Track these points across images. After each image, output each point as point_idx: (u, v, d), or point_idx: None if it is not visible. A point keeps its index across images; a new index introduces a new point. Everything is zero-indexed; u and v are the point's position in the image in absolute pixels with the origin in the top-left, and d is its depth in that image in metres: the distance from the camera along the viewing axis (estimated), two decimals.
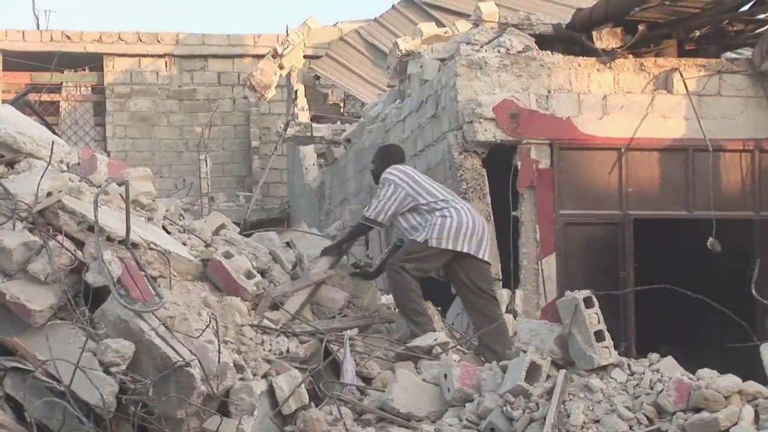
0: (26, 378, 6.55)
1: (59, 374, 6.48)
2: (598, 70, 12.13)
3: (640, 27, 12.37)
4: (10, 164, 7.83)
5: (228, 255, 8.06)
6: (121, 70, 24.49)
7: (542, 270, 11.54)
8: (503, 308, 9.87)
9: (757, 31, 12.95)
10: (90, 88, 24.69)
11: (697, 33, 12.85)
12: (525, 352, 6.39)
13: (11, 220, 7.22)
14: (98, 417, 6.47)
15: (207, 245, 8.73)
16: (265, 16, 74.12)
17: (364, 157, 15.79)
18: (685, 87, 12.13)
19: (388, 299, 9.55)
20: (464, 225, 8.58)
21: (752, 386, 6.10)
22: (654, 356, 6.68)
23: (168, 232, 8.58)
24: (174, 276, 7.69)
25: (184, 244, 8.52)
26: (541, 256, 11.51)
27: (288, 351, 7.63)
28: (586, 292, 6.65)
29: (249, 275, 8.12)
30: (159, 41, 24.49)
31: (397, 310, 9.10)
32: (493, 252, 10.30)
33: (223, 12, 69.07)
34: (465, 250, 8.59)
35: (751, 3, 12.54)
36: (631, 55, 12.34)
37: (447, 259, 8.66)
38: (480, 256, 8.71)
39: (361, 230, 9.55)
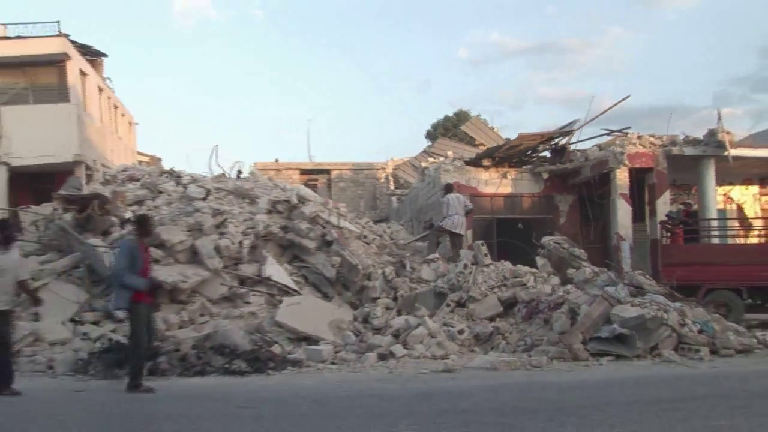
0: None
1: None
2: (486, 171, 11.81)
3: (497, 157, 12.15)
4: (302, 202, 7.88)
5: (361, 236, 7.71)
6: (336, 175, 21.75)
7: (467, 237, 10.41)
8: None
9: (540, 155, 12.46)
10: (326, 181, 22.15)
11: (514, 159, 12.36)
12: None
13: (298, 221, 7.17)
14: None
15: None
16: (375, 150, 58.59)
17: (419, 200, 14.33)
18: (506, 177, 11.70)
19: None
20: (458, 222, 8.33)
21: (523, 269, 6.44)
22: (494, 262, 6.91)
23: (350, 223, 8.57)
24: (351, 237, 7.77)
25: (354, 227, 8.50)
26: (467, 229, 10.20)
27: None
28: (481, 242, 7.13)
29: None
30: (343, 165, 22.08)
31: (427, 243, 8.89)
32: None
33: (360, 146, 56.44)
34: (457, 231, 8.38)
35: (535, 148, 12.15)
36: (494, 167, 12.01)
37: (450, 233, 8.42)
38: (461, 233, 8.45)
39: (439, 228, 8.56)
